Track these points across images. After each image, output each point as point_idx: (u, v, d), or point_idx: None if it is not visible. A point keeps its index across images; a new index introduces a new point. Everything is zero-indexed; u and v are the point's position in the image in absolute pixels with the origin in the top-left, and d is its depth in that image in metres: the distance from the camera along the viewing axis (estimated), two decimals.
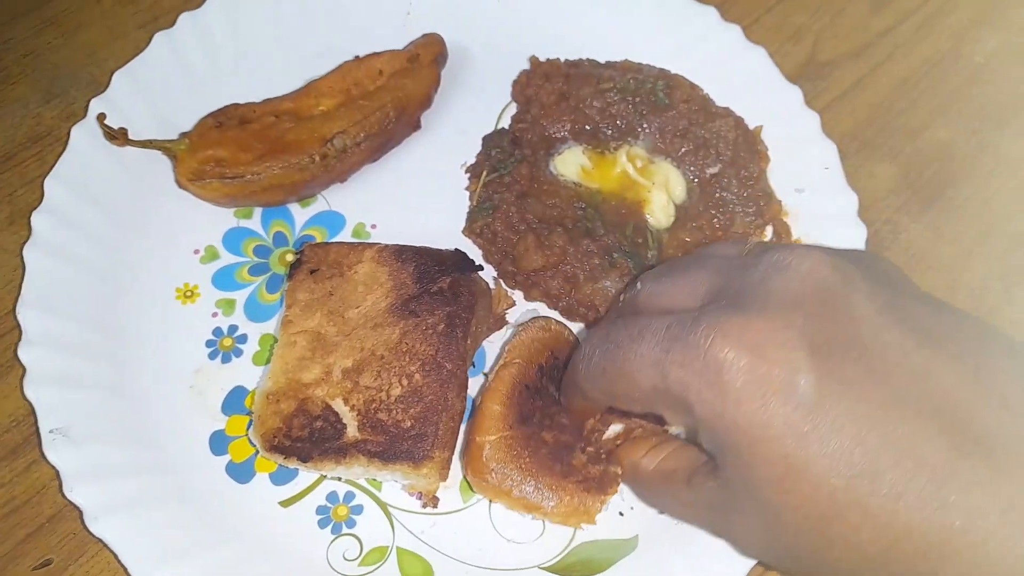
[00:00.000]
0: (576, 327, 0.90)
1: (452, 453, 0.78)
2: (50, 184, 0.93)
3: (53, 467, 0.80)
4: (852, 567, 0.54)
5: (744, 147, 0.97)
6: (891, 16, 1.18)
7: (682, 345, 0.55)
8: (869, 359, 0.52)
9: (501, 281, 0.94)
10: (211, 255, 0.96)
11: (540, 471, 0.76)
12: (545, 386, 0.80)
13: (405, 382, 0.76)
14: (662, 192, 0.95)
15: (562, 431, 0.79)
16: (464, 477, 0.81)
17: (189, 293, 0.94)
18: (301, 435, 0.76)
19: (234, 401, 0.88)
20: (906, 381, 0.52)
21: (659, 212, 0.94)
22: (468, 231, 0.97)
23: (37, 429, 0.82)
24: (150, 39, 1.04)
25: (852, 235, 0.94)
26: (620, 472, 0.78)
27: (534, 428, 0.78)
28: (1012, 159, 1.08)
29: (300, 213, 0.99)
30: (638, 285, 0.69)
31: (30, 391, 0.82)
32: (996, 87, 1.13)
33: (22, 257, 0.90)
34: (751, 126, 1.00)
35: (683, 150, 0.97)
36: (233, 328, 0.92)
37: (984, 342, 0.56)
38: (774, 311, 0.53)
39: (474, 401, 0.83)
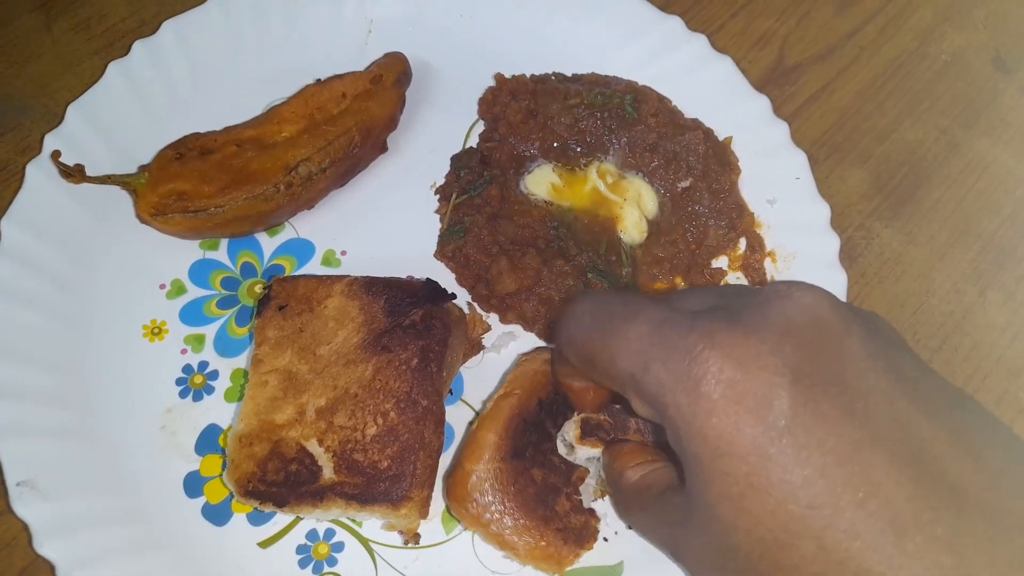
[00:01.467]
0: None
1: (431, 491, 0.77)
2: (6, 225, 0.90)
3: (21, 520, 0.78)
4: None
5: (715, 159, 0.96)
6: (856, 17, 1.18)
7: (671, 344, 0.55)
8: (851, 398, 0.52)
9: (475, 305, 0.93)
10: (178, 289, 0.94)
11: (522, 510, 0.75)
12: (542, 421, 0.79)
13: (380, 421, 0.75)
14: (634, 208, 0.94)
15: (552, 471, 0.78)
16: (445, 502, 0.80)
17: (156, 330, 0.92)
18: (276, 479, 0.74)
19: (208, 440, 0.87)
20: (885, 425, 0.51)
21: (632, 228, 0.93)
22: (440, 254, 0.96)
23: (2, 480, 0.80)
24: (104, 67, 1.01)
25: (825, 244, 0.93)
26: (599, 528, 0.77)
27: (525, 463, 0.77)
28: (980, 158, 1.08)
29: (268, 242, 0.97)
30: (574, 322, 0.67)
31: None
32: (962, 85, 1.14)
33: None
34: (720, 137, 1.00)
35: (653, 164, 0.96)
36: (203, 364, 0.90)
37: (967, 407, 0.56)
38: (766, 333, 0.53)
39: (469, 426, 0.82)
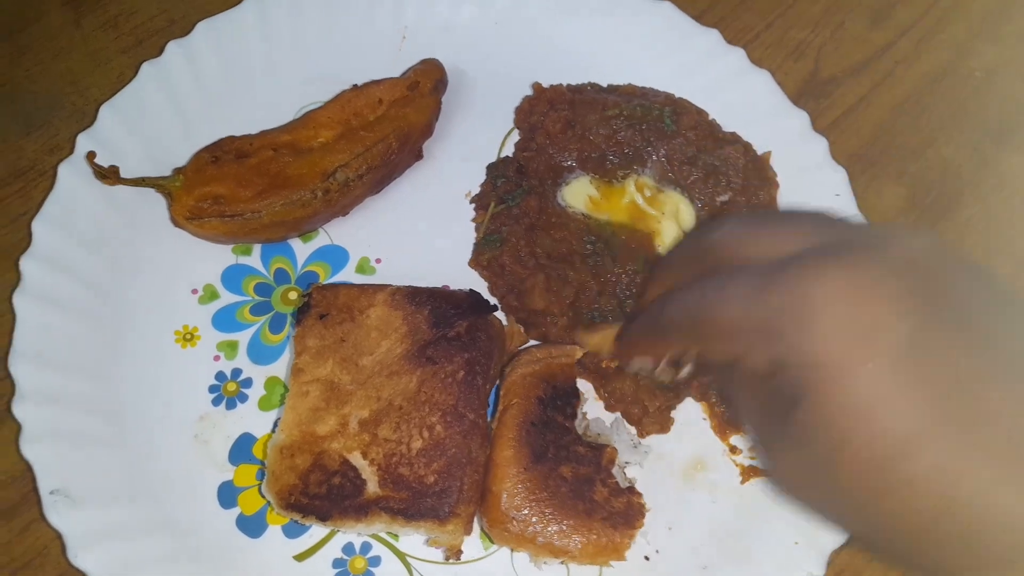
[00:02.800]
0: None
1: (476, 508, 0.76)
2: (38, 226, 0.89)
3: (55, 529, 0.76)
4: (904, 525, 0.53)
5: (754, 174, 0.96)
6: (891, 30, 1.17)
7: (783, 278, 0.55)
8: (972, 334, 0.52)
9: (512, 317, 0.92)
10: (210, 295, 0.92)
11: (562, 512, 0.74)
12: (552, 417, 0.78)
13: (426, 434, 0.74)
14: (672, 222, 0.93)
15: (580, 462, 0.77)
16: (483, 530, 0.79)
17: (189, 336, 0.90)
18: (319, 492, 0.73)
19: (241, 449, 0.85)
20: (1004, 360, 0.51)
21: (670, 244, 0.93)
22: (474, 263, 0.95)
23: (35, 487, 0.78)
24: (135, 66, 1.00)
25: None
26: (644, 502, 0.76)
27: (550, 464, 0.75)
28: (1013, 175, 1.08)
29: (302, 248, 0.96)
30: (718, 231, 0.66)
31: (28, 450, 0.79)
32: (996, 101, 1.13)
33: (10, 302, 0.86)
34: (759, 151, 0.99)
35: (692, 177, 0.95)
36: (237, 372, 0.89)
37: None
38: (888, 265, 0.53)
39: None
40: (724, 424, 0.88)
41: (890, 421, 0.51)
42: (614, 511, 0.75)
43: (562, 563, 0.79)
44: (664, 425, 0.85)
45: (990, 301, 0.55)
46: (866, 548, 0.60)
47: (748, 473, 0.85)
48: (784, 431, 0.57)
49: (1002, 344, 0.52)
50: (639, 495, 0.77)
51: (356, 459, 0.74)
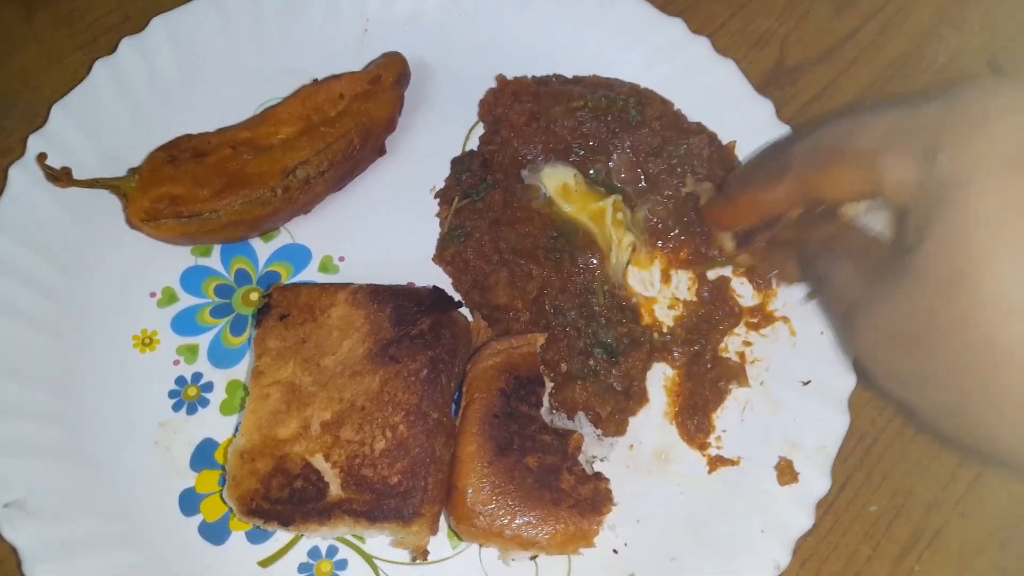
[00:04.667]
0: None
1: (441, 507, 0.75)
2: None
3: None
4: (992, 393, 0.51)
5: (719, 163, 0.95)
6: (855, 18, 1.17)
7: (943, 98, 0.54)
8: None
9: (476, 313, 0.91)
10: (169, 298, 0.90)
11: (529, 503, 0.73)
12: (516, 408, 0.77)
13: (389, 434, 0.73)
14: (621, 254, 0.92)
15: (546, 452, 0.76)
16: (450, 527, 0.78)
17: (148, 340, 0.88)
18: (280, 496, 0.72)
19: (203, 455, 0.84)
20: None
21: (611, 272, 0.91)
22: (438, 258, 0.94)
23: None
24: (89, 64, 0.97)
25: None
26: (610, 488, 0.76)
27: (515, 456, 0.75)
28: None
29: (263, 248, 0.94)
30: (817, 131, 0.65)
31: None
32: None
33: None
34: (724, 141, 0.98)
35: (657, 168, 0.94)
36: (197, 376, 0.87)
37: None
38: None
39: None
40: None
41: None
42: (581, 498, 0.74)
43: (532, 558, 0.78)
44: (620, 428, 0.85)
45: None
46: (935, 425, 0.57)
47: (715, 463, 0.85)
48: (892, 276, 0.55)
49: None
50: (606, 481, 0.77)
51: (318, 462, 0.73)
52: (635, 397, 0.86)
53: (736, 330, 0.91)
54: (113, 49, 0.98)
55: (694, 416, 0.86)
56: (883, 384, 0.61)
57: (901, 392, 0.59)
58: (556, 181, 0.94)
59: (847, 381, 0.86)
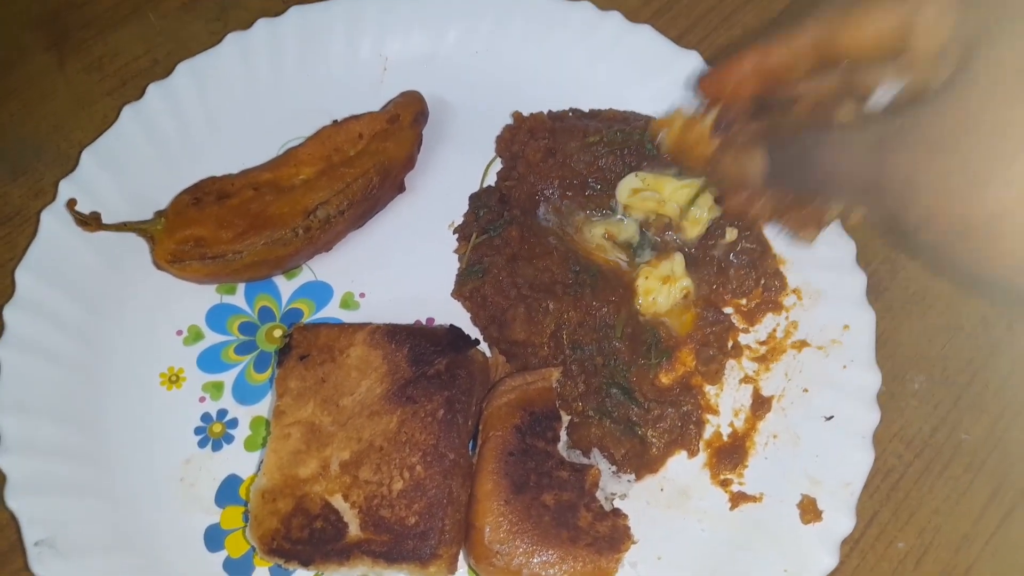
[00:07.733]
0: None
1: (460, 548, 0.75)
2: (21, 275, 0.89)
3: None
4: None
5: None
6: None
7: None
8: None
9: (495, 348, 0.91)
10: (195, 335, 0.92)
11: (546, 542, 0.73)
12: (532, 444, 0.78)
13: (407, 475, 0.73)
14: (661, 286, 0.92)
15: (563, 488, 0.76)
16: (469, 567, 0.78)
17: (174, 378, 0.90)
18: (301, 536, 0.73)
19: (228, 491, 0.85)
20: None
21: (645, 303, 0.92)
22: (457, 294, 0.94)
23: (19, 536, 0.78)
24: (118, 108, 1.00)
25: (850, 282, 0.92)
26: (628, 524, 0.75)
27: (532, 493, 0.75)
28: None
29: (286, 285, 0.96)
30: None
31: (12, 502, 0.79)
32: None
33: None
34: None
35: None
36: (222, 413, 0.89)
37: None
38: None
39: None
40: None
41: None
42: (599, 535, 0.74)
43: None
44: (636, 471, 0.84)
45: None
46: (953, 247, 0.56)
47: (737, 500, 0.84)
48: (928, 98, 0.55)
49: None
50: (624, 517, 0.76)
51: (337, 502, 0.74)
52: (648, 465, 0.86)
53: (749, 363, 0.91)
54: (141, 94, 1.01)
55: (733, 454, 0.86)
56: (913, 210, 0.57)
57: (931, 204, 0.56)
58: (626, 191, 0.94)
59: (871, 416, 0.85)
